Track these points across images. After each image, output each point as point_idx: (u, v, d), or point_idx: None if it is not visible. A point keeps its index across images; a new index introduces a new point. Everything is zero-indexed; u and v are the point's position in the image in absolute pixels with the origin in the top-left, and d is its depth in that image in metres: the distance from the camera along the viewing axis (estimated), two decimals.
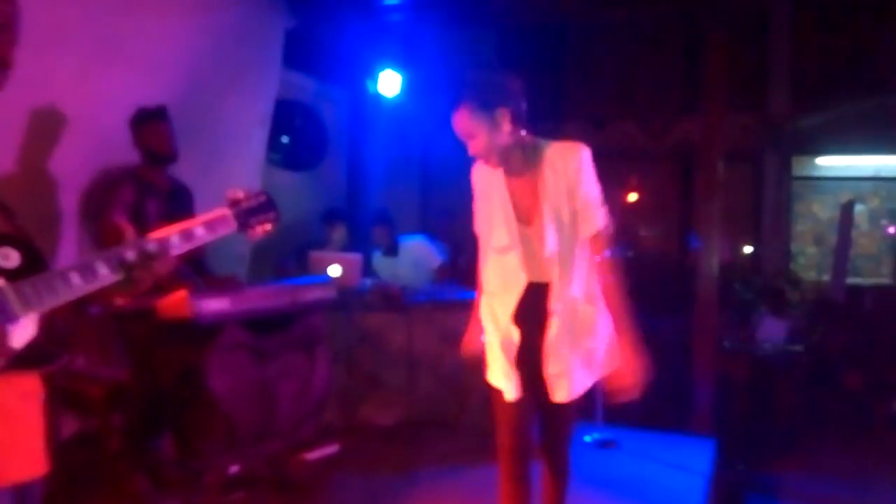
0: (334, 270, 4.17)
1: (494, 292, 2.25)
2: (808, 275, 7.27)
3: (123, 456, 3.07)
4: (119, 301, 2.86)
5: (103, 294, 1.40)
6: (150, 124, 3.24)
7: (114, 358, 3.23)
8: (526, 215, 2.19)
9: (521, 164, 2.18)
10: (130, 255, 1.38)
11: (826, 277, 7.04)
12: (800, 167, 7.45)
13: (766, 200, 7.27)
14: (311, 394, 3.08)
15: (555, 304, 2.16)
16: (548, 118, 7.08)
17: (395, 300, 4.29)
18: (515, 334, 2.20)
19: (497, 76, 2.15)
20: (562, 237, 2.15)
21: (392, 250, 5.01)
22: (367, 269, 4.67)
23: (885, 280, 7.20)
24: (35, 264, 1.28)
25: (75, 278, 1.31)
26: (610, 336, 2.25)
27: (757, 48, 7.04)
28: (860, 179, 7.43)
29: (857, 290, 6.69)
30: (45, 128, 3.22)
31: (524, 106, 2.15)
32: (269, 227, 1.65)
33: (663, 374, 4.92)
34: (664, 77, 7.51)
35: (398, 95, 5.57)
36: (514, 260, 2.18)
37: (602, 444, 4.08)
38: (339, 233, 4.96)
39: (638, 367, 2.13)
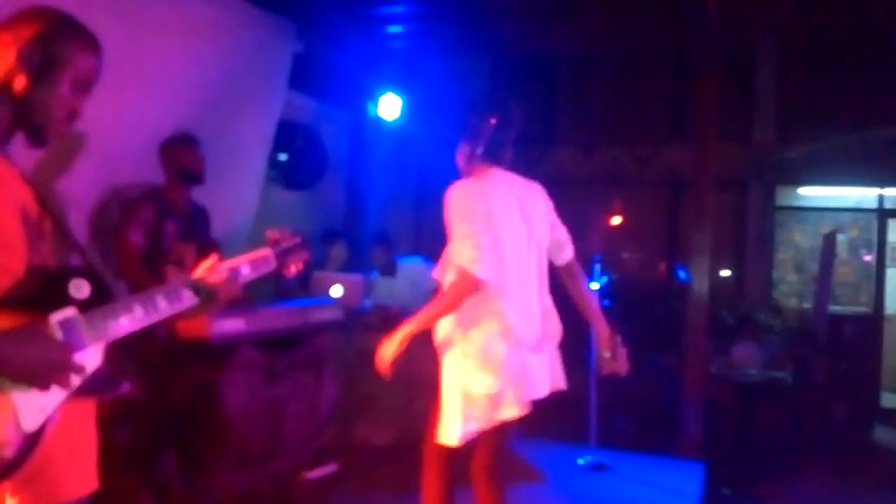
0: (336, 291, 4.24)
1: (506, 303, 2.38)
2: (789, 302, 7.45)
3: (128, 472, 3.10)
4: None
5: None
6: (185, 146, 3.42)
7: (122, 375, 3.27)
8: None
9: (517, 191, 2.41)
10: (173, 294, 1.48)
11: (806, 305, 7.22)
12: (783, 197, 7.67)
13: (750, 228, 7.46)
14: (318, 413, 3.14)
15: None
16: (537, 143, 7.24)
17: (394, 321, 4.35)
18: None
19: (471, 110, 2.33)
20: (539, 260, 2.44)
21: (390, 270, 5.08)
22: (368, 290, 4.74)
23: (863, 308, 7.40)
24: (102, 295, 1.36)
25: (137, 309, 1.39)
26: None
27: (744, 80, 7.26)
28: (841, 210, 7.65)
29: (836, 319, 6.87)
30: (58, 147, 3.27)
31: (495, 137, 2.32)
32: (301, 265, 1.78)
33: (651, 398, 5.01)
34: (652, 104, 7.70)
35: (398, 119, 5.67)
36: (527, 273, 2.41)
37: (594, 468, 4.17)
38: (337, 252, 5.03)
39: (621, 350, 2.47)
